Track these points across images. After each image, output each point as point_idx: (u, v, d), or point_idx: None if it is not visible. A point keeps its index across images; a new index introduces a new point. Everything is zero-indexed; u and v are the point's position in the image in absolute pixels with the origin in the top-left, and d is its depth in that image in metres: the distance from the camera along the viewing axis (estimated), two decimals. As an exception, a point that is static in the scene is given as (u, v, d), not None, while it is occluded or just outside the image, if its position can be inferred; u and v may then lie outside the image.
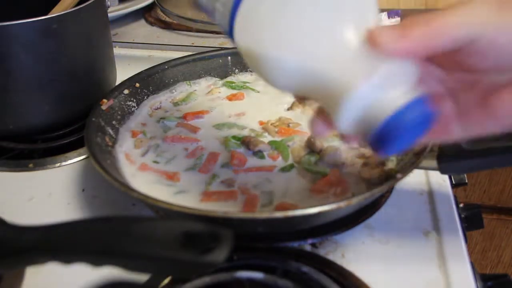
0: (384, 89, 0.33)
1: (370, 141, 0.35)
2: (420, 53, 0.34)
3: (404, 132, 0.33)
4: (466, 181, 0.65)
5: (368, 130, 0.34)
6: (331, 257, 0.50)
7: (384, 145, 0.34)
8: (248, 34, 0.36)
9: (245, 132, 0.63)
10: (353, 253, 0.50)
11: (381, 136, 0.33)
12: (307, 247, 0.51)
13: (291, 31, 0.34)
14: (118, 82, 0.71)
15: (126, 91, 0.66)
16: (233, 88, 0.73)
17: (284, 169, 0.56)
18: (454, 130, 0.39)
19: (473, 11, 0.34)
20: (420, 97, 0.34)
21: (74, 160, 0.64)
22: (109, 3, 0.73)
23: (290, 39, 0.34)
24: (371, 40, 0.34)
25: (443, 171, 0.53)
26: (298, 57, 0.34)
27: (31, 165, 0.64)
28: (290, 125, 0.63)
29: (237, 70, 0.75)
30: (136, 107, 0.67)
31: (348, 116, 0.34)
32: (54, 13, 0.62)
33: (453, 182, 0.63)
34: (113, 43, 0.76)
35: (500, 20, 0.34)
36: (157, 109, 0.69)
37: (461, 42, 0.34)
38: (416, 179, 0.60)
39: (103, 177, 0.50)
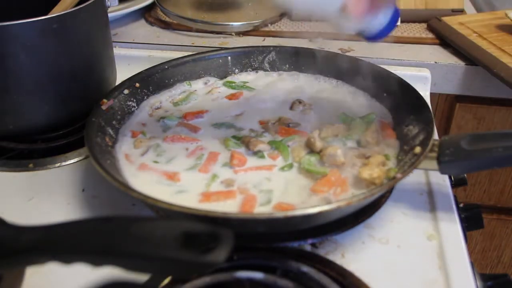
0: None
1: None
2: None
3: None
4: (466, 181, 0.65)
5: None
6: (331, 257, 0.50)
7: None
8: None
9: (245, 132, 0.63)
10: (353, 253, 0.50)
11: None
12: (307, 247, 0.51)
13: None
14: (118, 82, 0.71)
15: (126, 91, 0.66)
16: (233, 88, 0.73)
17: (283, 169, 0.56)
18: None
19: None
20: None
21: (74, 160, 0.65)
22: (109, 3, 0.73)
23: None
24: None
25: (443, 171, 0.53)
26: None
27: (31, 165, 0.64)
28: (290, 125, 0.63)
29: (237, 70, 0.75)
30: (136, 107, 0.67)
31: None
32: (54, 13, 0.62)
33: (453, 182, 0.63)
34: (113, 43, 0.76)
35: None
36: (157, 109, 0.69)
37: None
38: (416, 179, 0.60)
39: (103, 177, 0.50)
